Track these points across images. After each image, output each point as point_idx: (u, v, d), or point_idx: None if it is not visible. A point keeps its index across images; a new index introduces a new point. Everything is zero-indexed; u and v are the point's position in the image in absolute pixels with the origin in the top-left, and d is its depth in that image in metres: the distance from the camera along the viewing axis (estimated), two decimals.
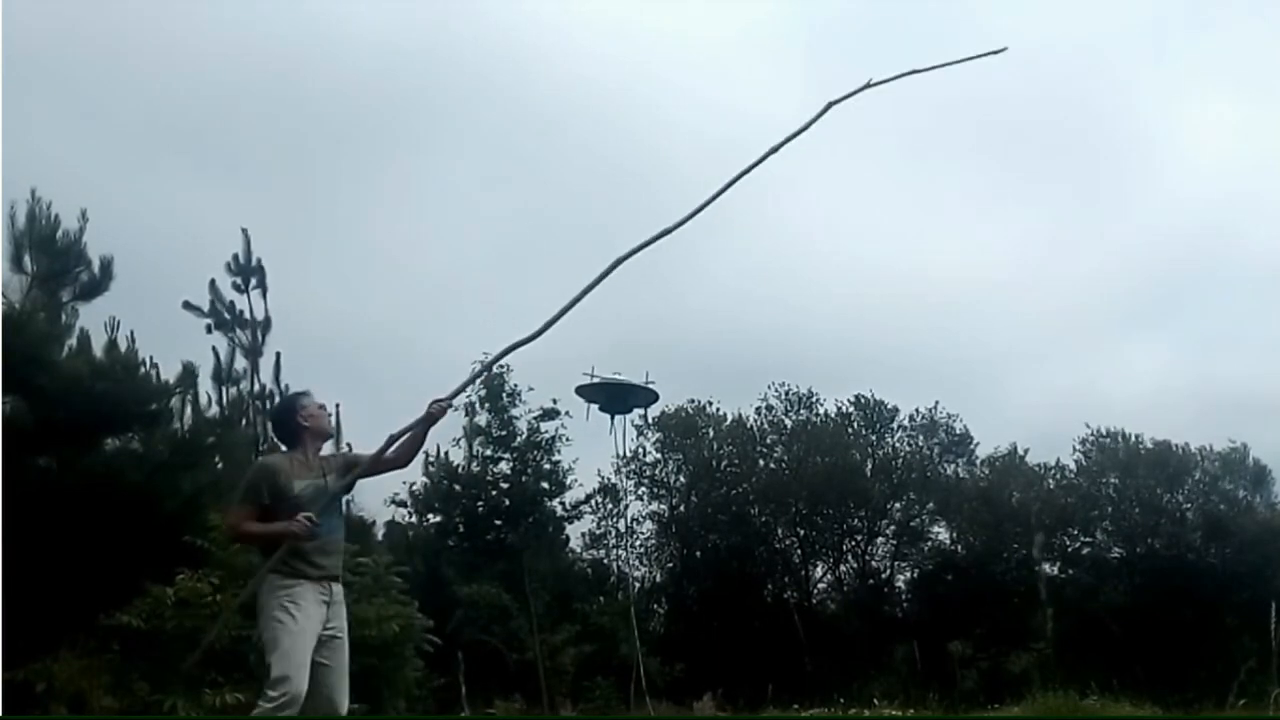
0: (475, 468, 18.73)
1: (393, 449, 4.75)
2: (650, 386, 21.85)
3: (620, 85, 37.71)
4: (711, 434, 25.81)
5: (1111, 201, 36.67)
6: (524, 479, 18.40)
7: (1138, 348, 35.63)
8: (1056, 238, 37.45)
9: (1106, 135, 36.45)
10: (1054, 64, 36.98)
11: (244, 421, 9.96)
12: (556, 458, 18.68)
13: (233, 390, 9.98)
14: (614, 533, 24.43)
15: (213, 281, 10.59)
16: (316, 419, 4.78)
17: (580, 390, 20.39)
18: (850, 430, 25.84)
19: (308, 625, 4.45)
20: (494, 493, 18.64)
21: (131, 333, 8.31)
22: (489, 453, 18.63)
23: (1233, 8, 36.12)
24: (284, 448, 4.81)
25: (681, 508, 25.75)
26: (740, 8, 38.31)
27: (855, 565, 25.85)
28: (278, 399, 10.33)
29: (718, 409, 25.97)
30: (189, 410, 8.68)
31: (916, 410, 25.89)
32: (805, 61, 37.10)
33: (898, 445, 25.93)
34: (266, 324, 10.59)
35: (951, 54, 5.35)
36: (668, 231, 5.03)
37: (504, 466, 18.63)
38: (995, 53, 5.37)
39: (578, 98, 37.04)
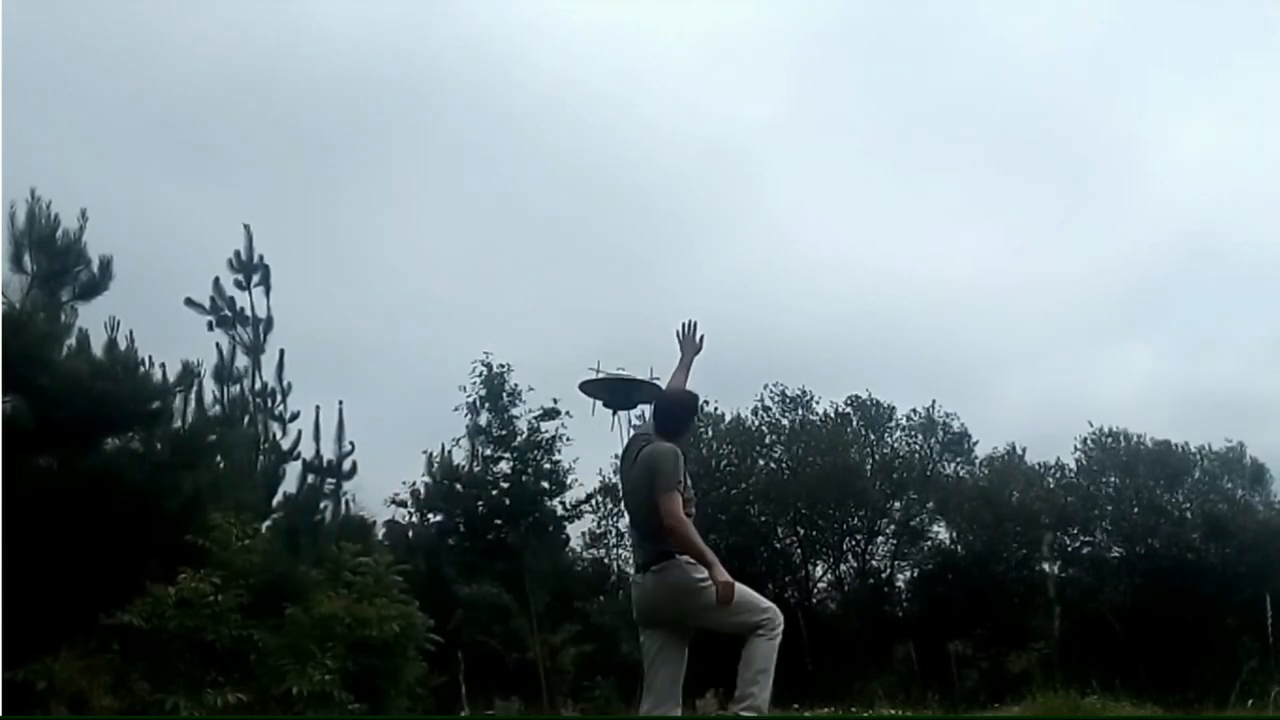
0: (476, 467, 18.70)
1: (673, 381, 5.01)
2: (655, 382, 21.73)
3: (607, 86, 37.88)
4: (710, 434, 25.81)
5: (1105, 204, 36.94)
6: (524, 479, 18.37)
7: (1129, 348, 35.83)
8: (1050, 239, 37.68)
9: (1099, 140, 36.63)
10: (1048, 70, 37.18)
11: (245, 420, 9.91)
12: (557, 457, 18.66)
13: (234, 388, 9.93)
14: (614, 532, 24.43)
15: (216, 279, 10.54)
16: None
17: (584, 386, 20.38)
18: (849, 430, 25.82)
19: None
20: (494, 492, 18.61)
21: (131, 332, 8.27)
22: (489, 452, 18.59)
23: (1220, 14, 36.25)
24: (660, 438, 4.62)
25: None
26: (723, 8, 38.41)
27: (855, 565, 25.86)
28: (280, 396, 10.31)
29: (716, 409, 25.98)
30: (190, 409, 8.64)
31: (915, 409, 25.91)
32: (788, 62, 37.22)
33: (897, 445, 25.93)
34: (269, 322, 10.53)
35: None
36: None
37: (504, 466, 18.60)
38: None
39: (567, 98, 37.17)
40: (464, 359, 19.30)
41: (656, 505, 4.33)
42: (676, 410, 4.76)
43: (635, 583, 4.65)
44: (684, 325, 5.09)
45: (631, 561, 4.81)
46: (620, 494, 4.73)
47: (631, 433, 5.05)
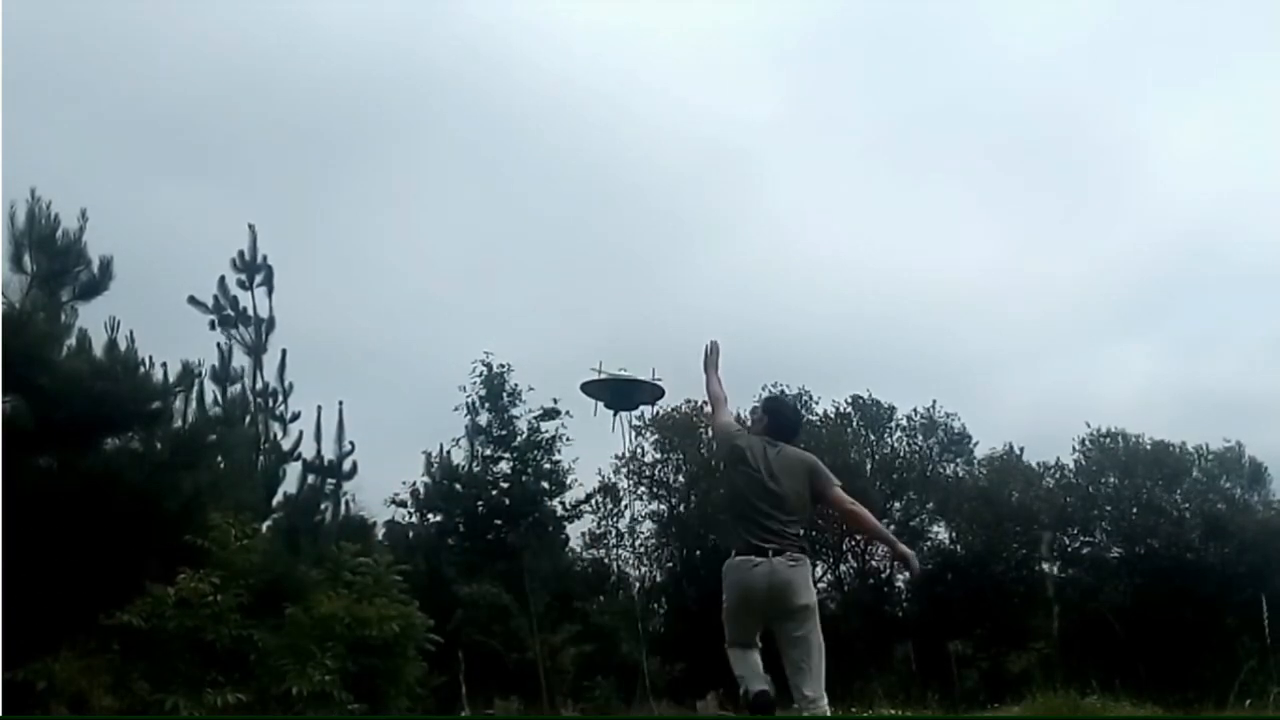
0: (476, 467, 18.71)
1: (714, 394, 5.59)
2: (657, 382, 21.72)
3: (607, 86, 37.89)
4: (710, 434, 25.80)
5: (1105, 204, 36.93)
6: (524, 479, 18.38)
7: (1129, 348, 35.85)
8: (1050, 239, 37.68)
9: (1099, 140, 36.64)
10: (1048, 70, 37.17)
11: (246, 420, 9.90)
12: (557, 457, 18.68)
13: (234, 388, 9.92)
14: (614, 533, 24.43)
15: (221, 279, 10.54)
16: None
17: (585, 386, 20.40)
18: (849, 430, 25.81)
19: None
20: (494, 492, 18.62)
21: (131, 332, 8.26)
22: (489, 452, 18.61)
23: (1220, 14, 36.27)
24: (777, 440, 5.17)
25: (681, 508, 25.72)
26: (723, 8, 38.44)
27: (855, 565, 25.84)
28: (282, 396, 10.32)
29: None
30: (190, 409, 8.63)
31: (915, 409, 25.91)
32: (788, 62, 37.23)
33: (897, 445, 25.92)
34: (270, 322, 10.52)
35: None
36: None
37: (504, 466, 18.62)
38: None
39: (567, 98, 37.17)
40: (464, 359, 19.32)
41: (815, 496, 5.02)
42: (797, 414, 5.93)
43: (757, 563, 4.82)
44: (706, 348, 5.67)
45: (741, 545, 4.90)
46: (752, 482, 4.94)
47: (740, 433, 5.44)
